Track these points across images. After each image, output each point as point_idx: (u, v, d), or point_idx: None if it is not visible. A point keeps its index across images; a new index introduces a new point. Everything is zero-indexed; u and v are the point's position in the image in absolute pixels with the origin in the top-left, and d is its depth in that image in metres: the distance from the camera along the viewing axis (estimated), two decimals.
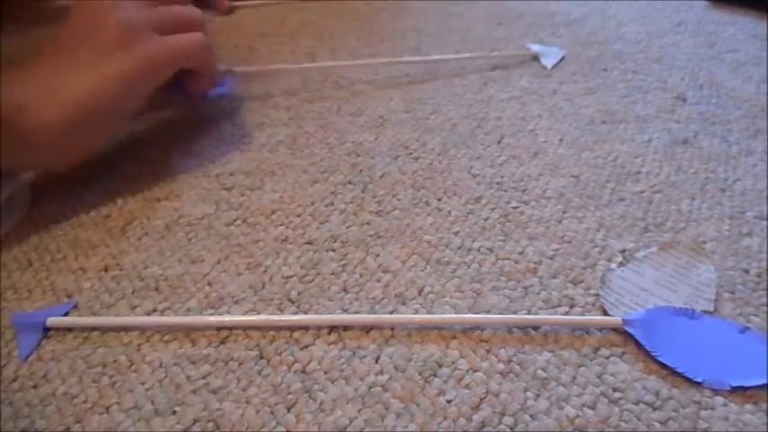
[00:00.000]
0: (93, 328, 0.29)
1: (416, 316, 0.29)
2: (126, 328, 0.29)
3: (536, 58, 0.50)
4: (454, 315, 0.29)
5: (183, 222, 0.35)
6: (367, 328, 0.28)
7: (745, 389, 0.25)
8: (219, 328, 0.28)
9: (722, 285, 0.30)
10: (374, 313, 0.29)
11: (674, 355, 0.26)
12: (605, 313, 0.29)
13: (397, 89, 0.47)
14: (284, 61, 0.51)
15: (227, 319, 0.29)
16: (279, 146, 0.41)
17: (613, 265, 0.31)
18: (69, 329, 0.29)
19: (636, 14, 0.59)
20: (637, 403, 0.25)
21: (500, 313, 0.29)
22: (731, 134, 0.41)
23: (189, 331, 0.28)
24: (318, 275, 0.31)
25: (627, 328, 0.27)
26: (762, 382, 0.25)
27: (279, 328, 0.28)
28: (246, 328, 0.28)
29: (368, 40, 0.55)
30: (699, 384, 0.26)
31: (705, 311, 0.29)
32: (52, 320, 0.29)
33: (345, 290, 0.30)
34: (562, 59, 0.50)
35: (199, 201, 0.36)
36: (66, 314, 0.29)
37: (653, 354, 0.27)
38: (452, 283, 0.31)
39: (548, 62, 0.50)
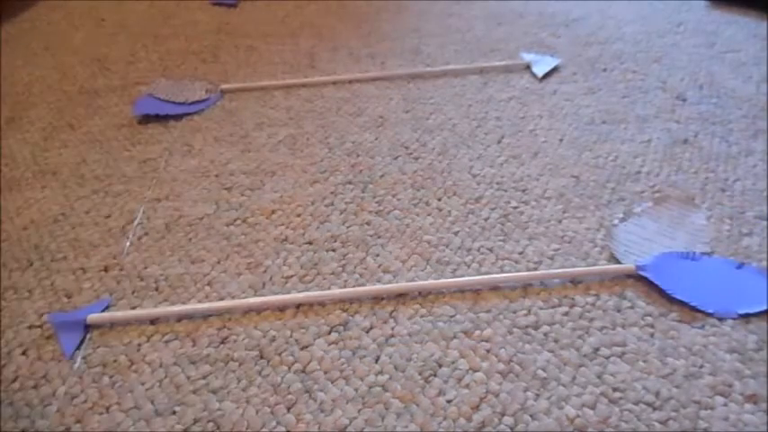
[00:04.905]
0: (127, 323, 0.29)
1: (430, 281, 0.29)
2: (160, 318, 0.29)
3: (528, 67, 0.49)
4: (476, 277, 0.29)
5: (183, 222, 0.35)
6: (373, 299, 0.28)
7: (749, 316, 0.28)
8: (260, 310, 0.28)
9: None
10: (374, 314, 0.29)
11: (686, 292, 0.29)
12: (618, 262, 0.31)
13: (397, 89, 0.47)
14: (284, 62, 0.51)
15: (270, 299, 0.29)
16: (279, 146, 0.41)
17: (616, 221, 0.34)
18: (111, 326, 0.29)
19: (636, 14, 0.59)
20: (637, 403, 0.25)
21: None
22: (731, 134, 0.41)
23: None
24: (318, 275, 0.31)
25: (640, 273, 0.30)
26: (763, 308, 0.28)
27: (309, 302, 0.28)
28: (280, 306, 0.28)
29: (368, 39, 0.55)
30: (710, 315, 0.28)
31: (704, 253, 0.31)
32: (93, 317, 0.29)
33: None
34: (555, 68, 0.49)
35: (199, 201, 0.36)
36: (103, 311, 0.30)
37: (667, 292, 0.29)
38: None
39: (538, 71, 0.49)
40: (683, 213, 0.34)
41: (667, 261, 0.31)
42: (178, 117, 0.44)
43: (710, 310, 0.28)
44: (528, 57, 0.50)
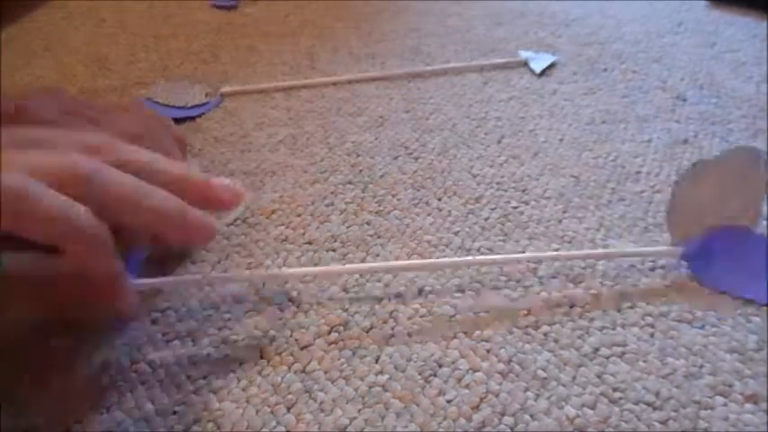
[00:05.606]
0: None
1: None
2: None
3: (526, 63, 0.50)
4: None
5: None
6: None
7: None
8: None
9: None
10: (374, 314, 0.29)
11: (725, 282, 0.29)
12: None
13: (397, 89, 0.47)
14: (284, 62, 0.51)
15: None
16: (279, 146, 0.41)
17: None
18: None
19: (636, 14, 0.59)
20: (637, 403, 0.25)
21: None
22: (731, 134, 0.41)
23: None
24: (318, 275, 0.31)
25: (683, 261, 0.30)
26: None
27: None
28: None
29: (368, 40, 0.55)
30: (751, 302, 0.28)
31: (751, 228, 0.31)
32: None
33: (345, 290, 0.30)
34: (552, 65, 0.49)
35: None
36: None
37: (706, 284, 0.30)
38: (452, 283, 0.31)
39: (536, 66, 0.49)
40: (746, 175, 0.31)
41: (711, 245, 0.30)
42: (178, 120, 0.44)
43: (750, 296, 0.29)
44: (525, 54, 0.50)
